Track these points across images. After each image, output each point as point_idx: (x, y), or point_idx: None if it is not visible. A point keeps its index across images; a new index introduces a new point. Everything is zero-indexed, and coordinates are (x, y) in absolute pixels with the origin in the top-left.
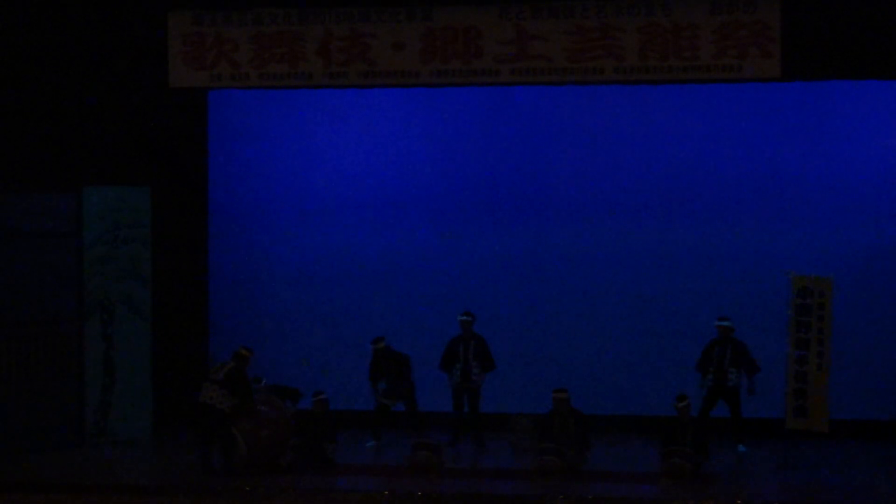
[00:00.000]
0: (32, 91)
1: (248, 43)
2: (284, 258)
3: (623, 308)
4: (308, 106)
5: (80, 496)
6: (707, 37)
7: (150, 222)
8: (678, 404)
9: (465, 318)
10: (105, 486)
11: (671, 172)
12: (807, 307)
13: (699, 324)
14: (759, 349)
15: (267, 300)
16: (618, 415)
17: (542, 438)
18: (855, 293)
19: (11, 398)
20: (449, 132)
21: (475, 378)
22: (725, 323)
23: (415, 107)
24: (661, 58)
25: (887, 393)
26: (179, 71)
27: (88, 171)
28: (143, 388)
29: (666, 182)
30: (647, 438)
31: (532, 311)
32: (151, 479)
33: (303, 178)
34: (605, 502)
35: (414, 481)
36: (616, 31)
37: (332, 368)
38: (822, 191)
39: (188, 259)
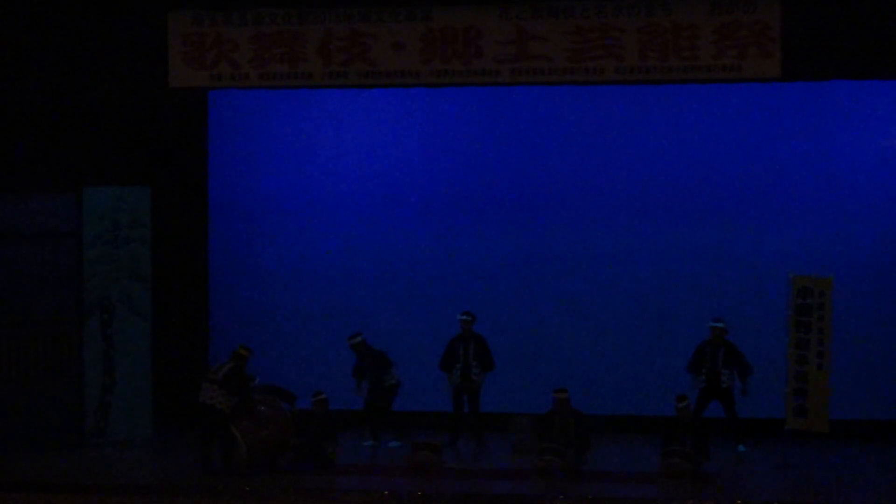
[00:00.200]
0: (32, 91)
1: (248, 43)
2: (284, 258)
3: (623, 308)
4: (308, 106)
5: (80, 496)
6: (707, 37)
7: (150, 222)
8: (678, 404)
9: (465, 317)
10: (105, 486)
11: (671, 172)
12: (807, 307)
13: (699, 324)
14: (760, 349)
15: (267, 300)
16: (618, 415)
17: (542, 438)
18: (855, 293)
19: (11, 398)
20: (449, 132)
21: (475, 378)
22: (720, 324)
23: (415, 107)
24: (661, 58)
25: (887, 393)
26: (179, 71)
27: (88, 171)
28: (143, 388)
29: (666, 182)
30: (647, 438)
31: (532, 311)
32: (151, 479)
33: (303, 178)
34: (605, 502)
35: (414, 481)
36: (616, 31)
37: (331, 368)
38: (822, 191)
39: (188, 259)
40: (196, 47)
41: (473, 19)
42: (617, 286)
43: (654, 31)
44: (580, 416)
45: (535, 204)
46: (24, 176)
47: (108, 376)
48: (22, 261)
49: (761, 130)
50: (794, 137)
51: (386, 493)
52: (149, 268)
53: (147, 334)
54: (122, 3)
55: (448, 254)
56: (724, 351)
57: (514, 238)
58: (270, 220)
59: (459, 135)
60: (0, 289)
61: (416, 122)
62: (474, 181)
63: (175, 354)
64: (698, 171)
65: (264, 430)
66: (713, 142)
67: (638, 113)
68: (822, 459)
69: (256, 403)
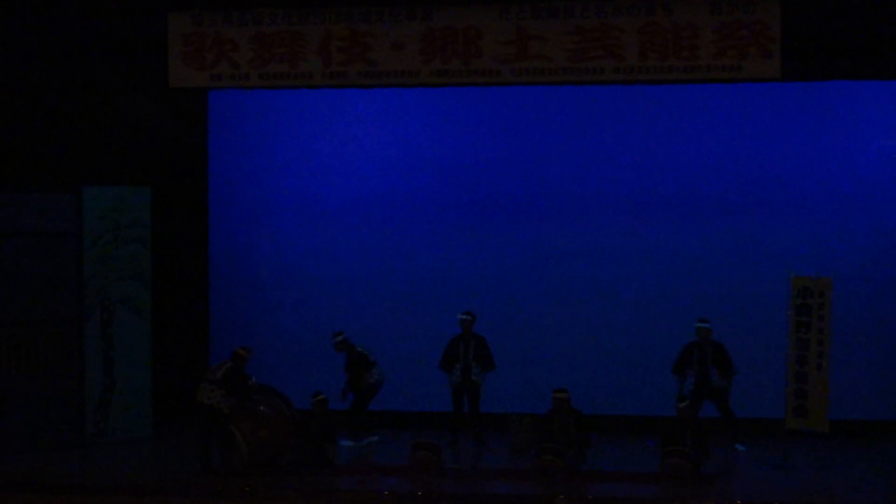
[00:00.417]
0: (33, 91)
1: (248, 43)
2: (284, 258)
3: (623, 308)
4: (308, 106)
5: (80, 496)
6: (707, 37)
7: (150, 222)
8: (678, 404)
9: (465, 317)
10: (105, 486)
11: (671, 172)
12: (807, 307)
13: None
14: (759, 349)
15: (267, 300)
16: (618, 415)
17: (542, 438)
18: (855, 293)
19: (11, 398)
20: (449, 132)
21: (475, 378)
22: (706, 325)
23: (415, 107)
24: (661, 58)
25: (887, 393)
26: (179, 71)
27: (88, 171)
28: (142, 387)
29: (666, 182)
30: (647, 438)
31: (532, 311)
32: (151, 479)
33: (303, 178)
34: (605, 502)
35: (414, 481)
36: (616, 31)
37: (331, 368)
38: (822, 190)
39: (188, 259)
40: (196, 47)
41: (473, 19)
42: (617, 286)
43: (654, 32)
44: (580, 416)
45: (536, 204)
46: (24, 176)
47: (108, 376)
48: (22, 261)
49: (761, 130)
50: (793, 137)
51: (386, 493)
52: (149, 268)
53: (147, 334)
54: (122, 3)
55: (448, 254)
56: (711, 351)
57: (514, 238)
58: (270, 220)
59: (459, 135)
60: (0, 289)
61: (416, 123)
62: (474, 181)
63: (175, 354)
64: (698, 171)
65: (264, 430)
66: (713, 142)
67: (638, 113)
68: (822, 459)
69: (256, 403)
